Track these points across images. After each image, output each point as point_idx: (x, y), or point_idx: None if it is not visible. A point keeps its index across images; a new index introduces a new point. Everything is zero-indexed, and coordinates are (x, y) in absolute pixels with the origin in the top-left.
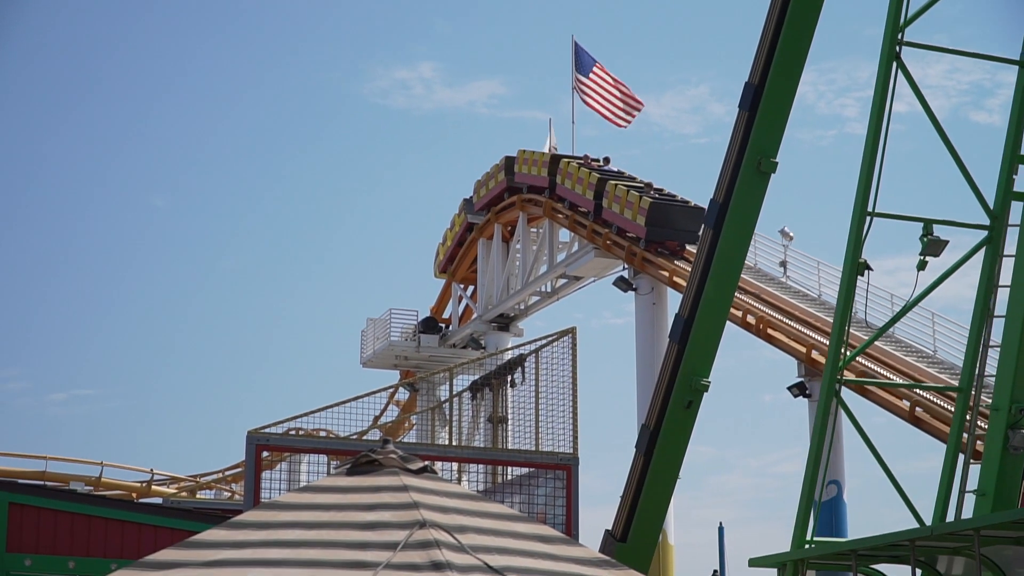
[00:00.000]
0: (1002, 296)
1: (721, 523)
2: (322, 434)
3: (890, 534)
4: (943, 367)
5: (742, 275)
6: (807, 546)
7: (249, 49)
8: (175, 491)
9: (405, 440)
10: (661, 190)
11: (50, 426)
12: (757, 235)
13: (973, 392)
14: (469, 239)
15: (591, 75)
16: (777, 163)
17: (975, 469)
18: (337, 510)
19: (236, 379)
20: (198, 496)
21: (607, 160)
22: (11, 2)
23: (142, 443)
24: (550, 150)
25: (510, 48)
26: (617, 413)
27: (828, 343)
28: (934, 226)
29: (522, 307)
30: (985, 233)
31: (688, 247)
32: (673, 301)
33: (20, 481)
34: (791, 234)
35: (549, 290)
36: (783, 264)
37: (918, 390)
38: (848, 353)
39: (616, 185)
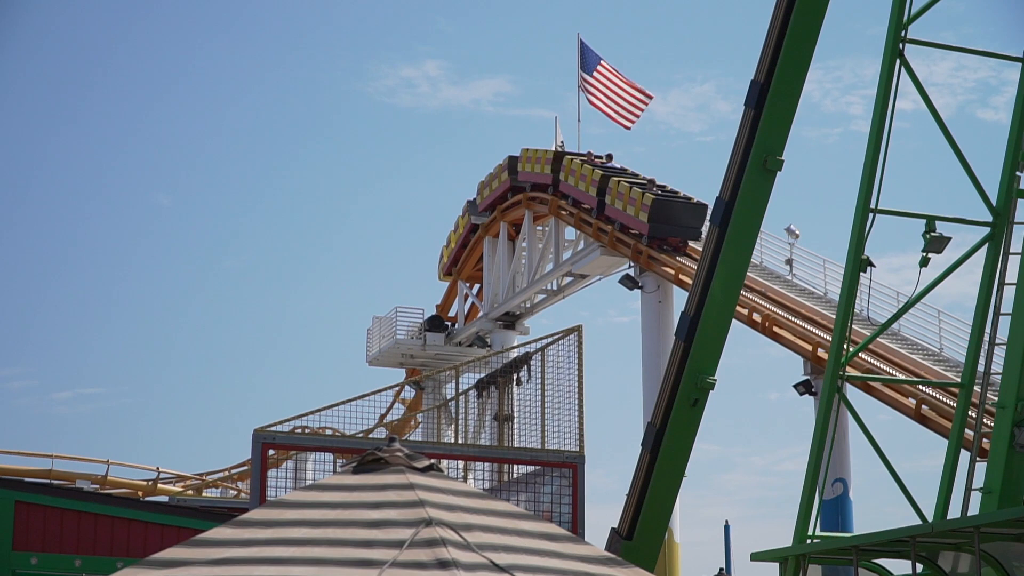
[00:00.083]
0: (1008, 294)
1: (727, 521)
2: (328, 432)
3: (891, 530)
4: (949, 365)
5: (748, 273)
6: (809, 541)
7: (255, 48)
8: (181, 489)
9: (411, 438)
10: (664, 187)
11: (56, 425)
12: (763, 233)
13: (978, 389)
14: (474, 240)
15: (595, 73)
16: (783, 161)
17: (981, 467)
18: (343, 508)
19: (242, 377)
20: (204, 494)
21: (610, 157)
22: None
23: (148, 441)
24: (557, 147)
25: (516, 46)
26: (623, 411)
27: (855, 351)
28: (937, 223)
29: (528, 305)
30: (988, 230)
31: (691, 243)
32: (679, 299)
33: (26, 479)
34: (797, 232)
35: (555, 288)
36: (789, 262)
37: (924, 388)
38: (851, 349)
39: (619, 182)
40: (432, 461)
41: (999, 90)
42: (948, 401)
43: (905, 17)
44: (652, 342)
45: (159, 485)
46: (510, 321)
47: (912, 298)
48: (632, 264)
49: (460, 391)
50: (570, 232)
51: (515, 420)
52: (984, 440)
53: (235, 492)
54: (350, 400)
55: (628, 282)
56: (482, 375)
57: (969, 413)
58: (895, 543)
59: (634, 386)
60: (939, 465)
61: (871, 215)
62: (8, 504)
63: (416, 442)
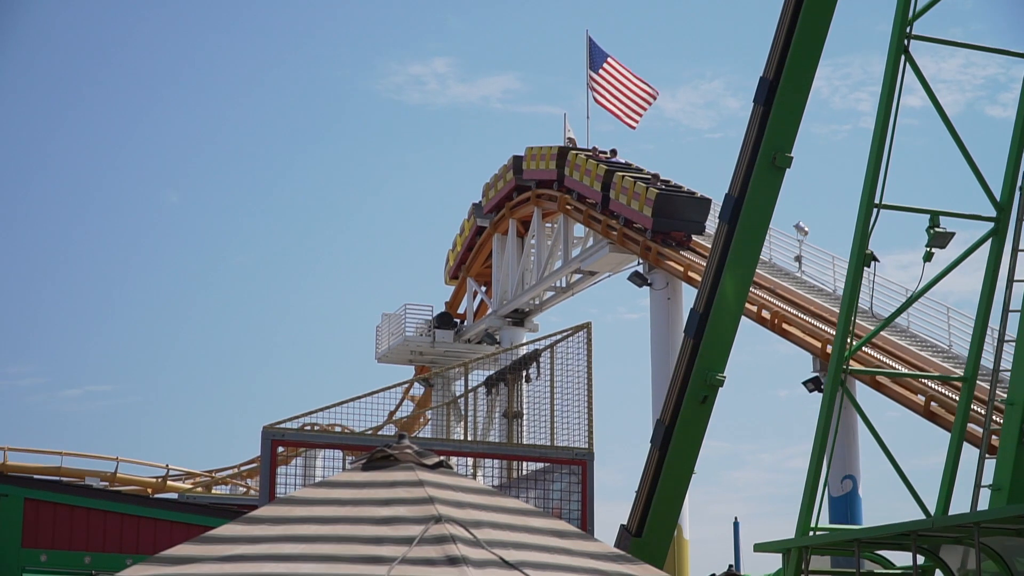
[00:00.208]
0: (1018, 290)
1: (736, 518)
2: (337, 429)
3: (892, 524)
4: (958, 361)
5: (757, 270)
6: (812, 534)
7: (263, 44)
8: (190, 486)
9: (420, 435)
10: (668, 181)
11: (65, 422)
12: (772, 230)
13: (987, 386)
14: (480, 241)
15: (601, 70)
16: (792, 158)
17: (990, 464)
18: (352, 505)
19: (251, 375)
20: (213, 491)
21: (614, 152)
22: None
23: (157, 439)
24: (567, 144)
25: (524, 43)
26: (632, 408)
27: (859, 345)
28: (941, 218)
29: (537, 302)
30: (992, 225)
31: (695, 237)
32: (688, 296)
33: (36, 477)
34: (806, 229)
35: (564, 285)
36: (798, 259)
37: (931, 384)
38: (854, 343)
39: (623, 176)
40: (441, 458)
41: (1008, 87)
42: (957, 398)
43: (910, 13)
44: (661, 339)
45: (168, 482)
46: (519, 318)
47: (915, 293)
48: (641, 261)
49: (469, 388)
50: (579, 229)
51: (524, 417)
52: (993, 437)
53: (244, 489)
54: (359, 397)
55: (637, 279)
56: (491, 372)
57: (975, 408)
58: (896, 537)
59: (643, 383)
60: (942, 462)
61: (875, 210)
62: (17, 501)
63: (425, 439)
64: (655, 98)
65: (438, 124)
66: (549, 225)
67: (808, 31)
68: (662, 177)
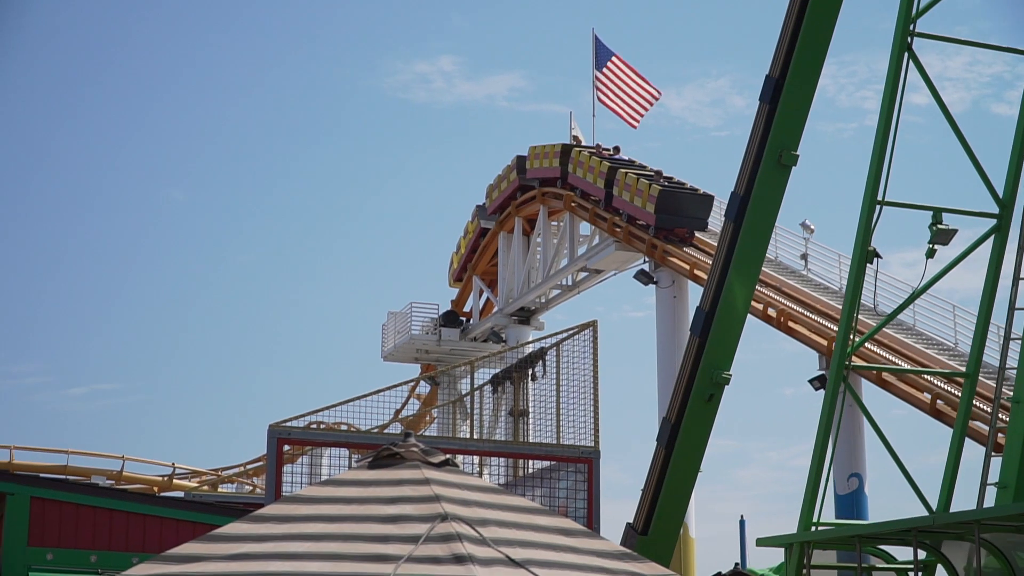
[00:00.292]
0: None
1: (742, 516)
2: (343, 428)
3: (893, 521)
4: (964, 359)
5: (763, 268)
6: (813, 528)
7: (269, 42)
8: (196, 485)
9: (426, 434)
10: (671, 178)
11: (71, 420)
12: (778, 228)
13: (993, 384)
14: (485, 241)
15: (605, 68)
16: (798, 156)
17: (996, 461)
18: (359, 503)
19: (257, 373)
20: (219, 490)
21: (617, 149)
22: None
23: (163, 437)
24: (572, 141)
25: (530, 42)
26: (638, 406)
27: (861, 341)
28: (944, 215)
29: (543, 300)
30: (994, 222)
31: (697, 234)
32: (694, 294)
33: (42, 475)
34: (812, 227)
35: (570, 283)
36: (804, 257)
37: (937, 382)
38: (857, 339)
39: (626, 173)
40: (447, 456)
41: (1013, 84)
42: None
43: (914, 11)
44: (667, 337)
45: (174, 481)
46: (525, 316)
47: (917, 289)
48: (647, 259)
49: (475, 386)
50: (585, 227)
51: (530, 415)
52: (999, 435)
53: (250, 488)
54: (365, 396)
55: (643, 277)
56: (497, 370)
57: (979, 405)
58: (898, 533)
59: (649, 381)
60: (959, 462)
61: (878, 207)
62: (24, 500)
63: (431, 437)
64: (657, 98)
65: (443, 122)
66: (555, 223)
67: (814, 29)
68: (665, 174)
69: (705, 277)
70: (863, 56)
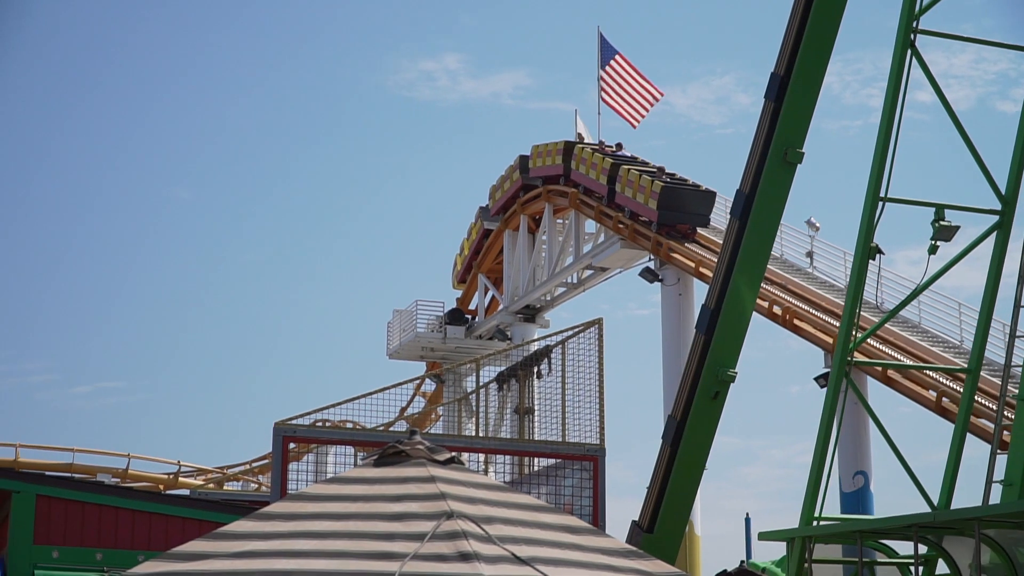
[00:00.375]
0: None
1: (748, 514)
2: (349, 426)
3: (893, 517)
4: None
5: (768, 266)
6: (815, 523)
7: (273, 41)
8: (202, 483)
9: (432, 431)
10: (673, 174)
11: (76, 419)
12: (783, 225)
13: (998, 381)
14: (488, 242)
15: (608, 67)
16: (803, 153)
17: (1002, 459)
18: (364, 501)
19: (263, 371)
20: (225, 488)
21: (620, 146)
22: None
23: (169, 435)
24: (577, 139)
25: (535, 39)
26: (643, 404)
27: (864, 336)
28: (947, 212)
29: (548, 298)
30: (996, 218)
31: (700, 230)
32: (699, 291)
33: (47, 473)
34: (817, 224)
35: (575, 281)
36: (809, 254)
37: (943, 380)
38: (859, 335)
39: (629, 170)
40: (453, 454)
41: (1018, 82)
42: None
43: (917, 8)
44: (672, 335)
45: (180, 478)
46: (530, 314)
47: (919, 285)
48: (652, 257)
49: (481, 384)
50: (590, 225)
51: (536, 413)
52: (1005, 432)
53: (256, 485)
54: (371, 393)
55: (648, 275)
56: (503, 368)
57: (985, 402)
58: (899, 528)
59: (654, 379)
60: (960, 458)
61: (881, 204)
62: (29, 498)
63: (437, 435)
64: (658, 99)
65: (449, 120)
66: (560, 221)
67: (819, 27)
68: (668, 170)
69: (710, 275)
70: (868, 54)
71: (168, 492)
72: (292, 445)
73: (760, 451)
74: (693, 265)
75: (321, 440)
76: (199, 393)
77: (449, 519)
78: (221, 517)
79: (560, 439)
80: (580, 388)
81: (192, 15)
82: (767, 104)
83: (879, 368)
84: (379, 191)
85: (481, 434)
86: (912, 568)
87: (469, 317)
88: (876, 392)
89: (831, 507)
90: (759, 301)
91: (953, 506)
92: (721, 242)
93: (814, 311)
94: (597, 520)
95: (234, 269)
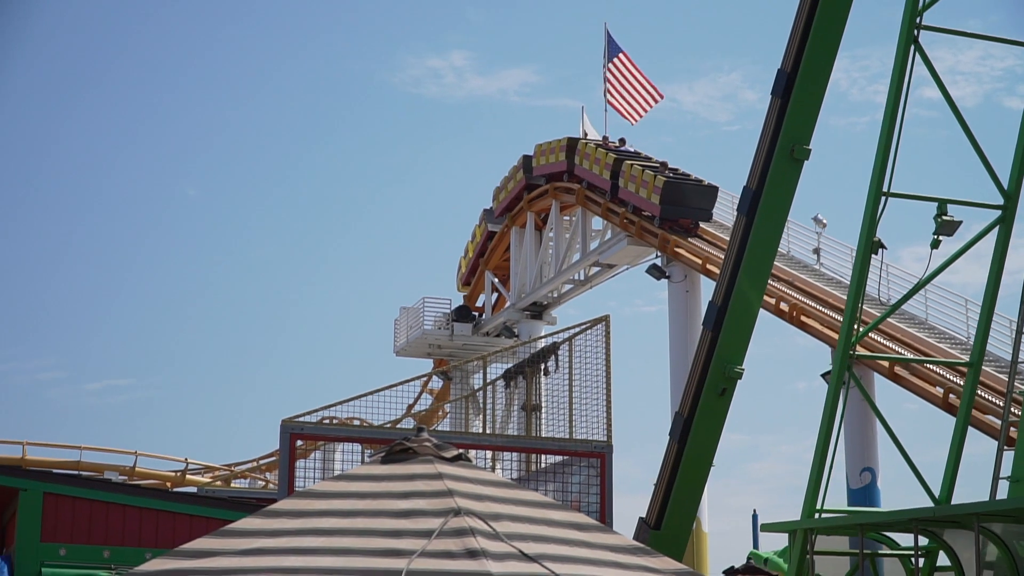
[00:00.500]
0: None
1: (755, 510)
2: (356, 423)
3: (894, 511)
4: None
5: (775, 262)
6: (816, 516)
7: (281, 38)
8: (209, 480)
9: (439, 428)
10: (676, 170)
11: (84, 416)
12: (790, 222)
13: (1004, 377)
14: (495, 238)
15: (611, 64)
16: (810, 150)
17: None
18: (372, 498)
19: (270, 369)
20: (232, 485)
21: (623, 141)
22: None
23: (176, 432)
24: (582, 137)
25: (542, 36)
26: (650, 401)
27: (861, 327)
28: (949, 207)
29: (555, 295)
30: (999, 213)
31: (702, 225)
32: (706, 288)
33: (55, 471)
34: (824, 221)
35: (582, 278)
36: (816, 251)
37: (948, 375)
38: (861, 329)
39: (632, 165)
40: (460, 451)
41: None
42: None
43: (921, 3)
44: (679, 331)
45: (187, 476)
46: (537, 311)
47: (922, 280)
48: (659, 253)
49: (488, 381)
50: (597, 222)
51: (543, 410)
52: (1012, 429)
53: (263, 483)
54: (378, 390)
55: (655, 272)
56: (510, 365)
57: (992, 399)
58: (899, 522)
59: (662, 376)
60: (967, 455)
61: (884, 199)
62: (37, 496)
63: (444, 432)
64: (659, 100)
65: (455, 118)
66: (567, 218)
67: (826, 23)
68: (670, 165)
69: (717, 271)
70: (875, 50)
71: (175, 490)
72: (299, 442)
73: (767, 448)
74: (700, 262)
75: (328, 437)
76: (206, 391)
77: (456, 516)
78: (228, 514)
79: (567, 436)
80: (587, 385)
81: (200, 13)
82: (774, 101)
83: (886, 365)
84: (386, 188)
85: (488, 431)
86: (913, 560)
87: (476, 314)
88: (883, 388)
89: (839, 504)
90: (766, 298)
91: (960, 501)
92: (724, 237)
93: (821, 308)
94: (604, 517)
95: (241, 267)
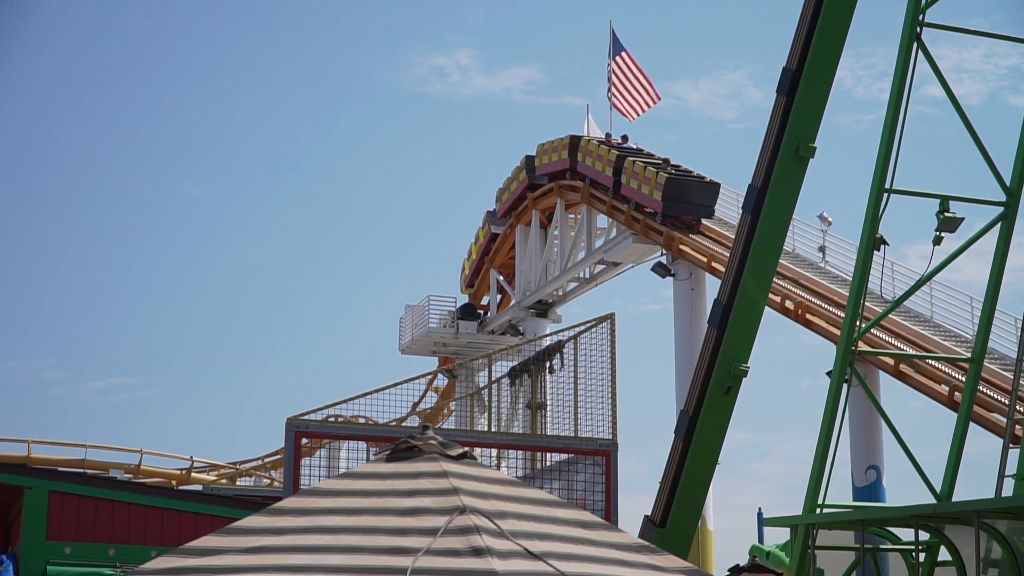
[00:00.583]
0: None
1: (760, 509)
2: (361, 421)
3: (895, 507)
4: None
5: (781, 260)
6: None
7: (285, 36)
8: (215, 478)
9: (444, 426)
10: (678, 166)
11: (89, 414)
12: (795, 220)
13: (1008, 375)
14: (500, 236)
15: (613, 62)
16: (816, 148)
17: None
18: (377, 496)
19: (275, 366)
20: (238, 483)
21: (625, 138)
22: None
23: (181, 431)
24: (586, 135)
25: (547, 35)
26: (656, 399)
27: (863, 324)
28: (952, 203)
29: (560, 293)
30: (1001, 209)
31: (704, 221)
32: (711, 286)
33: (60, 469)
34: (830, 219)
35: (587, 276)
36: (822, 249)
37: (953, 373)
38: (863, 324)
39: (634, 161)
40: (465, 449)
41: None
42: (979, 387)
43: (923, 1)
44: (685, 329)
45: (193, 474)
46: (543, 309)
47: (924, 276)
48: (664, 252)
49: (493, 379)
50: (602, 220)
51: (548, 408)
52: (1017, 427)
53: (268, 481)
54: (383, 388)
55: (660, 270)
56: (515, 363)
57: (997, 397)
58: (900, 518)
59: (667, 374)
60: (972, 452)
61: (886, 195)
62: (42, 494)
63: (449, 430)
64: (656, 102)
65: (460, 116)
66: (572, 216)
67: (831, 21)
68: (672, 162)
69: (723, 269)
70: (880, 48)
71: (180, 488)
72: (304, 440)
73: (772, 446)
74: (705, 260)
75: (333, 435)
76: (211, 389)
77: (462, 514)
78: (233, 512)
79: (572, 434)
80: (592, 383)
81: (204, 11)
82: (779, 99)
83: (891, 363)
84: (391, 186)
85: (493, 429)
86: (914, 554)
87: (481, 312)
88: (888, 387)
89: (844, 501)
90: (771, 296)
91: (967, 499)
92: (727, 234)
93: (826, 306)
94: (609, 515)
95: (245, 265)
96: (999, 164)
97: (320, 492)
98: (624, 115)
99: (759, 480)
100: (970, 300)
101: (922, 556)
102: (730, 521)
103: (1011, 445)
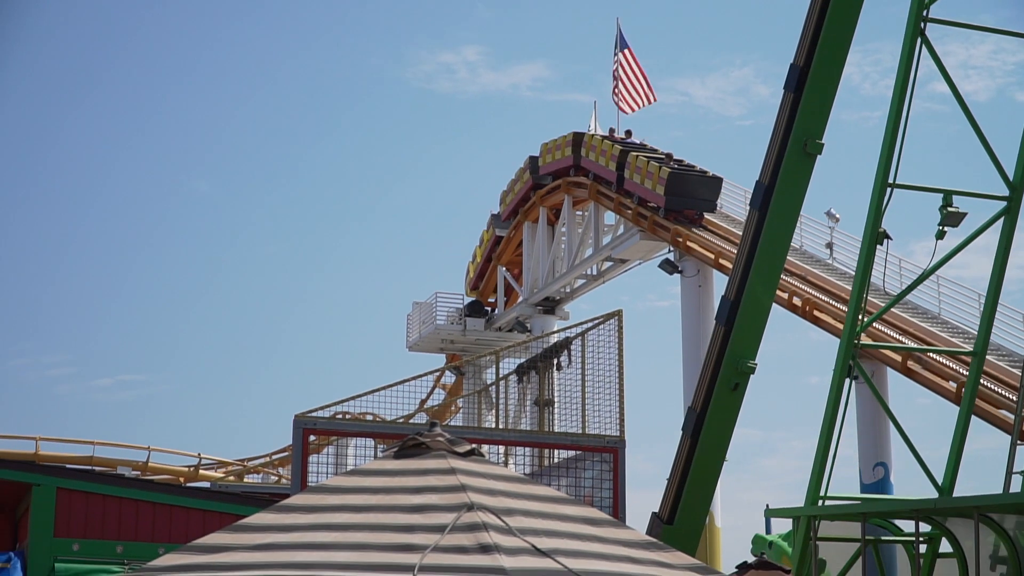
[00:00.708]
0: None
1: (768, 505)
2: (369, 418)
3: (897, 499)
4: (990, 348)
5: (788, 257)
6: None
7: (294, 34)
8: (222, 475)
9: (452, 423)
10: (681, 161)
11: (96, 411)
12: (803, 217)
13: (1012, 369)
14: (505, 238)
15: (619, 56)
16: (823, 144)
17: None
18: (384, 493)
19: (283, 363)
20: (245, 480)
21: (629, 133)
22: None
23: (189, 428)
24: (592, 132)
25: (554, 31)
26: (663, 396)
27: (877, 325)
28: (955, 198)
29: (568, 290)
30: (1004, 204)
31: (707, 215)
32: (719, 283)
33: (68, 466)
34: (837, 216)
35: (595, 273)
36: (829, 246)
37: (960, 370)
38: (865, 319)
39: (637, 156)
40: (473, 446)
41: None
42: (987, 383)
43: None
44: (692, 326)
45: (200, 471)
46: (550, 306)
47: (926, 270)
48: (672, 248)
49: (500, 376)
50: (609, 216)
51: (555, 405)
52: None
53: (276, 478)
54: (391, 385)
55: (668, 266)
56: (522, 360)
57: (1005, 393)
58: (901, 512)
59: (674, 370)
60: (979, 448)
61: (889, 189)
62: (50, 491)
63: (457, 427)
64: (652, 102)
65: (467, 113)
66: (580, 213)
67: (838, 17)
68: (675, 157)
69: (730, 266)
70: (888, 44)
71: (188, 485)
72: (312, 437)
73: (780, 443)
74: (713, 256)
75: (341, 432)
76: (219, 386)
77: (469, 511)
78: (241, 509)
79: (580, 431)
80: (600, 380)
81: (211, 8)
82: (787, 95)
83: (898, 359)
84: (399, 183)
85: (501, 426)
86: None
87: (489, 309)
88: (895, 383)
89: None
90: (779, 292)
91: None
92: (730, 228)
93: (834, 302)
94: (617, 512)
95: (252, 262)
96: (1004, 159)
97: (328, 489)
98: (622, 110)
99: (767, 477)
100: (978, 296)
101: (924, 548)
102: (738, 518)
103: (1019, 441)
